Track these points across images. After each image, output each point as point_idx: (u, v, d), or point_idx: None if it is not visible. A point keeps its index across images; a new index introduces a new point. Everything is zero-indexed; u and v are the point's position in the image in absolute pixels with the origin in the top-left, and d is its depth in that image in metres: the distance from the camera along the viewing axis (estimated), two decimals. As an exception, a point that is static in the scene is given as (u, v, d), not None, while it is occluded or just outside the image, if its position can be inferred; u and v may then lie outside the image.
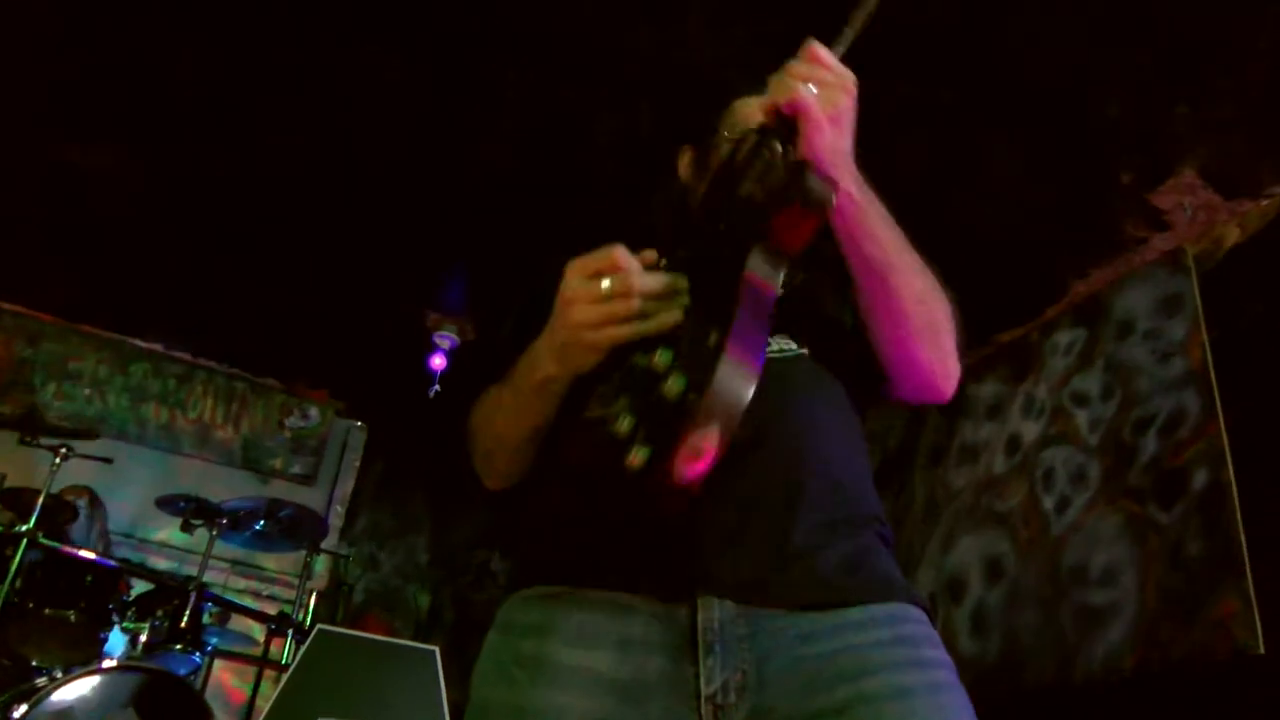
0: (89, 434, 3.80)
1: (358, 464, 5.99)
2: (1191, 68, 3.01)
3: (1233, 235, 3.39)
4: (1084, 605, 3.49)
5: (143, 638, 3.54)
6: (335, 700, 2.84)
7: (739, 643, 1.11)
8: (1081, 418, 3.79)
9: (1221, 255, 3.42)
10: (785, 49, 1.48)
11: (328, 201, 4.47)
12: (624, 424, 1.02)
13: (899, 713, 1.07)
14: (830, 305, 1.42)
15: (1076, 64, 3.05)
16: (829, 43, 1.19)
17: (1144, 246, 3.65)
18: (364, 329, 5.37)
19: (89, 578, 3.49)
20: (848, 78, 1.16)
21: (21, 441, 3.64)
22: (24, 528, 3.29)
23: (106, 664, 3.19)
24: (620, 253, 1.12)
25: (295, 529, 4.24)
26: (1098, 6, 2.86)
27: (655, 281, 1.11)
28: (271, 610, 4.49)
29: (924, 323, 1.30)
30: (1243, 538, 3.03)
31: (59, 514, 3.68)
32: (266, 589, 5.33)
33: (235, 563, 5.23)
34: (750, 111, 1.50)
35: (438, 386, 4.96)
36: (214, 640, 3.91)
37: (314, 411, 5.95)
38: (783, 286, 1.19)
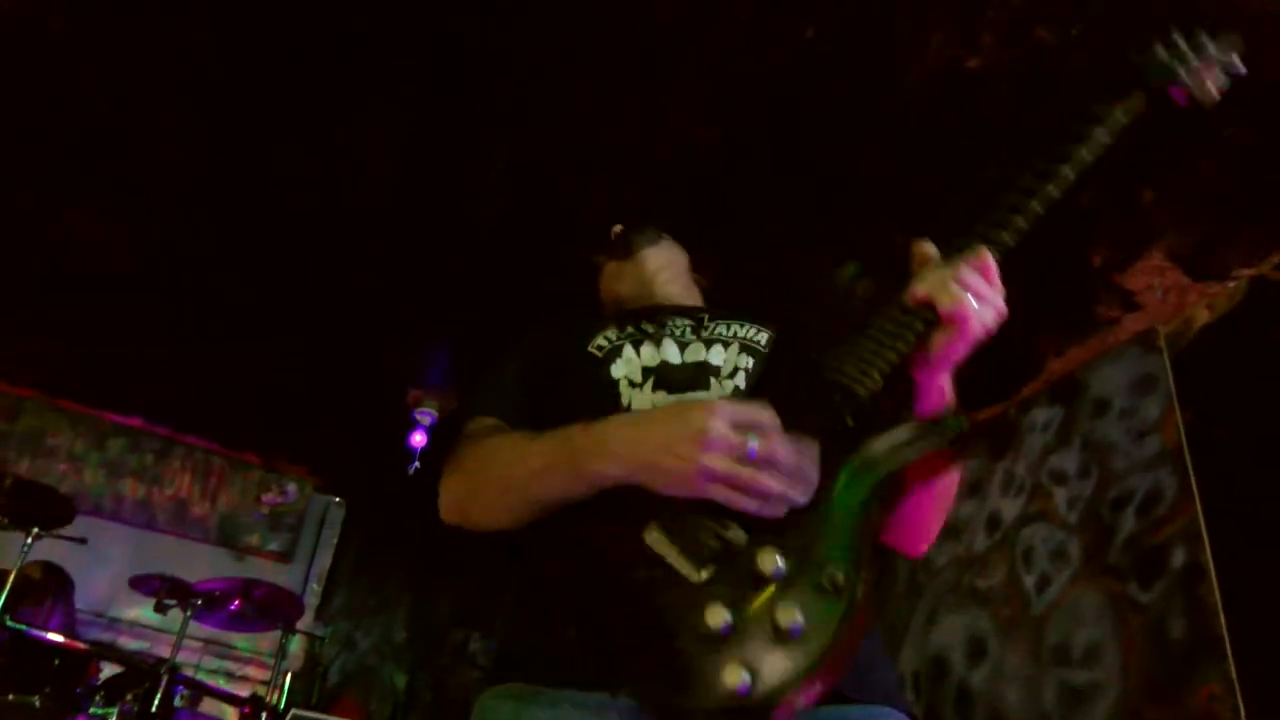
0: (63, 519, 3.75)
1: (335, 541, 5.94)
2: (1158, 158, 3.10)
3: (1203, 316, 3.46)
4: (1067, 685, 3.46)
5: (112, 721, 3.46)
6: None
7: None
8: (1060, 495, 3.80)
9: (1193, 335, 3.48)
10: (773, 130, 1.53)
11: (310, 277, 4.50)
12: (715, 616, 1.03)
13: None
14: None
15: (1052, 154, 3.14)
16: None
17: (1117, 326, 3.71)
18: (344, 405, 5.37)
19: (57, 661, 3.42)
20: (1001, 299, 1.21)
21: (-8, 522, 3.60)
22: (-10, 610, 3.23)
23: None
24: (776, 421, 1.12)
25: (270, 609, 4.18)
26: (1073, 108, 2.95)
27: (792, 460, 1.10)
28: (244, 692, 4.40)
29: (939, 518, 1.38)
30: (1223, 619, 3.03)
31: (27, 594, 3.62)
32: (240, 669, 5.23)
33: (208, 642, 5.14)
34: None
35: (417, 464, 4.94)
36: (185, 724, 3.83)
37: (292, 487, 5.91)
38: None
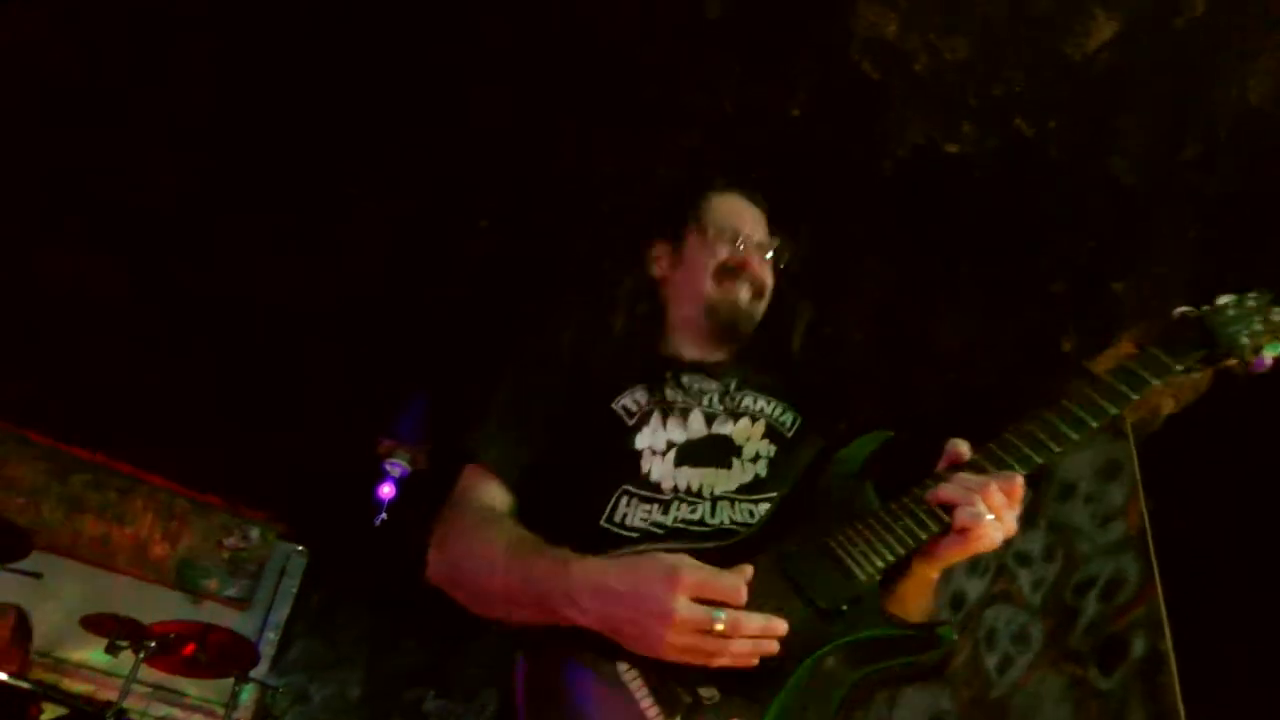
0: (19, 552, 3.68)
1: (295, 591, 5.83)
2: (1127, 253, 3.20)
3: (1168, 405, 3.52)
4: (1026, 770, 3.44)
5: (51, 766, 3.35)
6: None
7: None
8: (1024, 578, 3.82)
9: (1158, 424, 3.54)
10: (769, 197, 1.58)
11: (287, 323, 4.49)
12: None
13: None
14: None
15: (1028, 243, 3.23)
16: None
17: (1085, 412, 3.78)
18: (313, 452, 5.32)
19: (-1, 700, 3.33)
20: (1014, 523, 1.21)
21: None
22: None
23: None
24: (744, 589, 1.13)
25: (225, 655, 4.09)
26: (1049, 198, 3.06)
27: (756, 626, 1.12)
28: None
29: None
30: (1182, 709, 3.04)
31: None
32: (186, 717, 5.09)
33: (157, 687, 5.01)
34: (741, 220, 1.59)
35: (384, 515, 4.89)
36: (126, 772, 3.71)
37: (254, 533, 5.82)
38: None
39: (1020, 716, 3.55)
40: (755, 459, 1.49)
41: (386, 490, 4.91)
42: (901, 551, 1.19)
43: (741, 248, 1.68)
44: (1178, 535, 3.32)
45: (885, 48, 2.77)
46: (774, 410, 1.58)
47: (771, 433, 1.54)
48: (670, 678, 1.13)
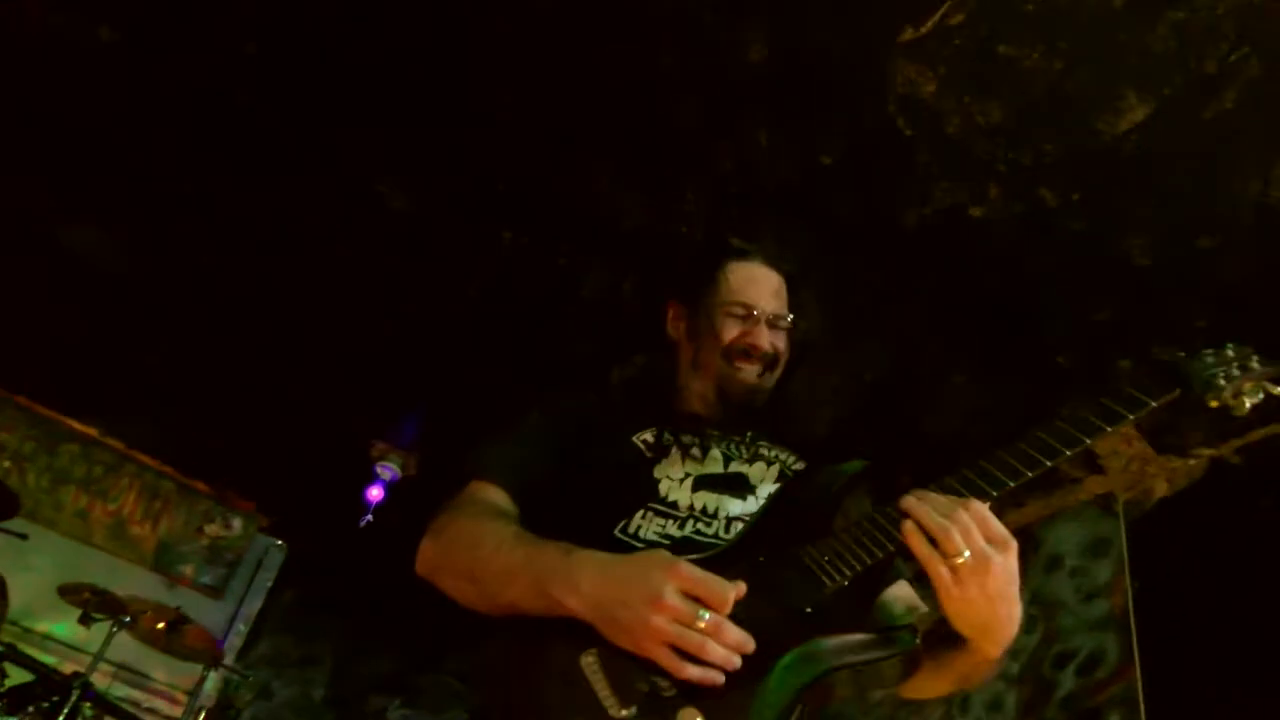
0: (5, 512, 3.66)
1: (270, 585, 5.79)
2: (1135, 332, 3.24)
3: (1161, 488, 3.56)
4: (989, 839, 3.43)
5: (10, 733, 3.31)
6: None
7: None
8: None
9: (1150, 506, 3.57)
10: (787, 242, 1.60)
11: (293, 316, 4.50)
12: None
13: None
14: None
15: (1039, 312, 3.28)
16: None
17: (1078, 486, 3.80)
18: (305, 448, 5.31)
19: (-40, 661, 3.30)
20: (982, 545, 1.15)
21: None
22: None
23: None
24: (732, 597, 1.16)
25: (192, 647, 4.05)
26: (1064, 271, 3.11)
27: (735, 638, 1.14)
28: (150, 725, 4.24)
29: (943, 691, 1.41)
30: (1151, 789, 3.04)
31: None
32: (148, 701, 5.03)
33: (122, 668, 4.95)
34: (757, 293, 1.62)
35: (370, 517, 4.87)
36: (83, 748, 3.66)
37: (237, 522, 5.79)
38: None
39: (987, 784, 3.55)
40: (768, 499, 1.52)
41: (375, 493, 4.91)
42: (868, 561, 1.20)
43: (752, 323, 1.68)
44: (1161, 617, 3.33)
45: (921, 106, 2.83)
46: (788, 458, 1.63)
47: (783, 478, 1.58)
48: (631, 670, 1.16)
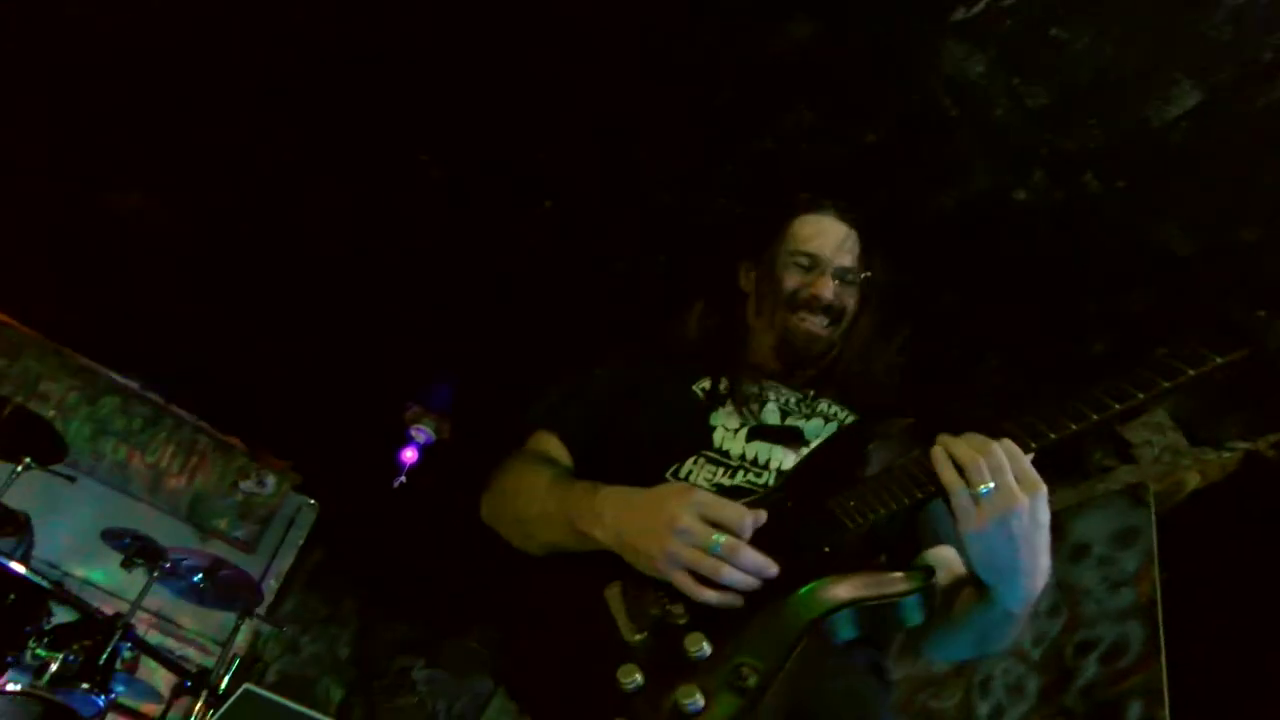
0: (54, 457, 3.76)
1: (301, 543, 5.89)
2: (1172, 321, 3.22)
3: (1193, 480, 3.54)
4: (1004, 820, 3.46)
5: (53, 668, 3.41)
6: (242, 765, 2.74)
7: None
8: (1026, 631, 3.84)
9: (1182, 498, 3.56)
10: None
11: (334, 279, 4.57)
12: (628, 674, 1.11)
13: None
14: None
15: (1077, 298, 3.27)
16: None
17: (1109, 476, 3.80)
18: (340, 409, 5.39)
19: (12, 596, 3.40)
20: (1018, 496, 1.13)
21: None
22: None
23: (10, 687, 3.08)
24: (749, 522, 1.18)
25: (231, 592, 4.15)
26: (1105, 256, 3.10)
27: (752, 560, 1.16)
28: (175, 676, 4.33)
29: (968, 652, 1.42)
30: (1169, 777, 3.05)
31: (3, 526, 3.61)
32: (179, 649, 5.15)
33: (156, 615, 5.08)
34: (822, 242, 1.62)
35: (404, 478, 4.95)
36: (119, 688, 3.77)
37: (271, 480, 5.89)
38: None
39: (1005, 767, 3.57)
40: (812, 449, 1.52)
41: (409, 455, 4.98)
42: (895, 506, 1.21)
43: (816, 274, 1.68)
44: (1188, 609, 3.33)
45: (968, 87, 2.82)
46: (846, 416, 1.62)
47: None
48: (649, 597, 1.20)
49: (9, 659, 3.41)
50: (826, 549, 1.22)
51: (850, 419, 1.61)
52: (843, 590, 1.16)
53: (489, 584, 5.19)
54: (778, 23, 2.87)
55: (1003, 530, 1.13)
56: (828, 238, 1.71)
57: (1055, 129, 2.86)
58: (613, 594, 1.24)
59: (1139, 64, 2.62)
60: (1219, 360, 1.13)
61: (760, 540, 1.19)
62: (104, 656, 3.46)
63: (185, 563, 3.98)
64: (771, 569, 1.17)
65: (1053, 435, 1.16)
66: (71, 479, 3.97)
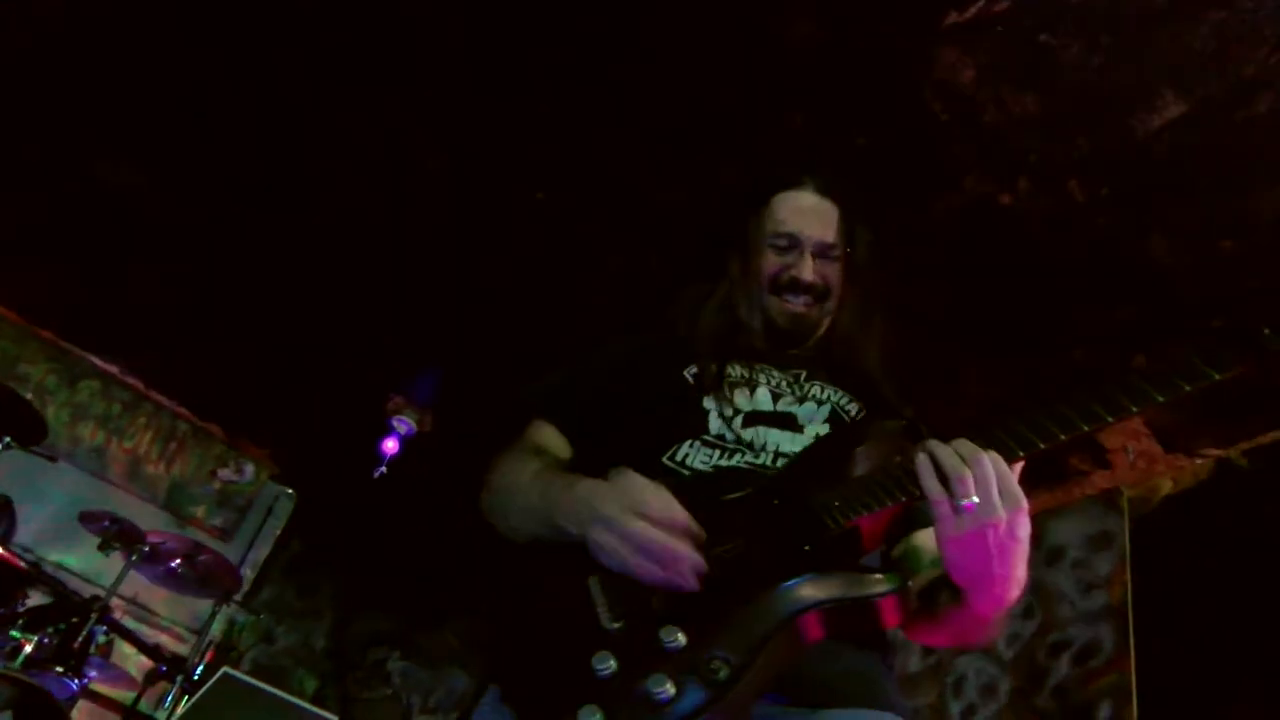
0: (35, 437, 3.74)
1: (278, 532, 5.87)
2: (1152, 330, 3.28)
3: (1166, 486, 3.61)
4: (973, 817, 3.51)
5: (27, 650, 3.38)
6: (220, 749, 2.74)
7: None
8: (1002, 631, 3.89)
9: (1155, 503, 3.63)
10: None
11: (319, 267, 4.55)
12: (602, 660, 1.14)
13: None
14: None
15: (1058, 305, 3.33)
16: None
17: (1084, 480, 3.86)
18: (321, 399, 5.37)
19: (-10, 576, 3.38)
20: (998, 511, 1.12)
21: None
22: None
23: (-14, 668, 3.06)
24: (682, 518, 1.21)
25: (208, 577, 4.13)
26: (1087, 265, 3.15)
27: (688, 561, 1.19)
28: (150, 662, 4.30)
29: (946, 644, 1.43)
30: (1137, 777, 3.11)
31: (-19, 506, 3.59)
32: (153, 636, 5.11)
33: (129, 602, 5.05)
34: (802, 221, 1.63)
35: (384, 469, 4.94)
36: (93, 672, 3.74)
37: (249, 468, 5.87)
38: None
39: (976, 765, 3.62)
40: (816, 436, 1.53)
41: (390, 445, 4.97)
42: (875, 507, 1.21)
43: (796, 255, 1.65)
44: (1158, 612, 3.39)
45: (958, 93, 2.87)
46: (840, 399, 1.60)
47: (835, 418, 1.57)
48: (629, 587, 1.22)
49: (-18, 640, 3.39)
50: (807, 547, 1.23)
51: (846, 400, 1.61)
52: (818, 589, 1.17)
53: (466, 577, 5.20)
54: (772, 24, 2.91)
55: (980, 542, 1.14)
56: (806, 215, 1.69)
57: (1042, 137, 2.91)
58: (595, 582, 1.26)
59: (1125, 75, 2.67)
60: (1216, 376, 1.09)
61: (745, 536, 1.22)
62: (79, 640, 3.43)
63: (164, 546, 3.96)
64: (692, 525, 1.21)
65: (1042, 445, 1.14)
66: (52, 459, 3.94)
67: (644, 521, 1.20)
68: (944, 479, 1.13)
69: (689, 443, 1.48)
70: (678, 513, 1.22)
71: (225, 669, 2.90)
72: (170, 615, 5.25)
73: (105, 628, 3.61)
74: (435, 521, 5.27)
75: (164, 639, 5.14)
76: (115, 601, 4.70)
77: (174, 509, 5.58)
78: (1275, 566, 3.29)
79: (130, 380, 5.69)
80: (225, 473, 5.77)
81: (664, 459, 1.46)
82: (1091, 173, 2.95)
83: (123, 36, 3.58)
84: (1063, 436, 1.14)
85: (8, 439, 3.52)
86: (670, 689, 1.08)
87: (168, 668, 3.77)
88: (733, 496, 1.32)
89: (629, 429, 1.54)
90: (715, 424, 1.50)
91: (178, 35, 3.52)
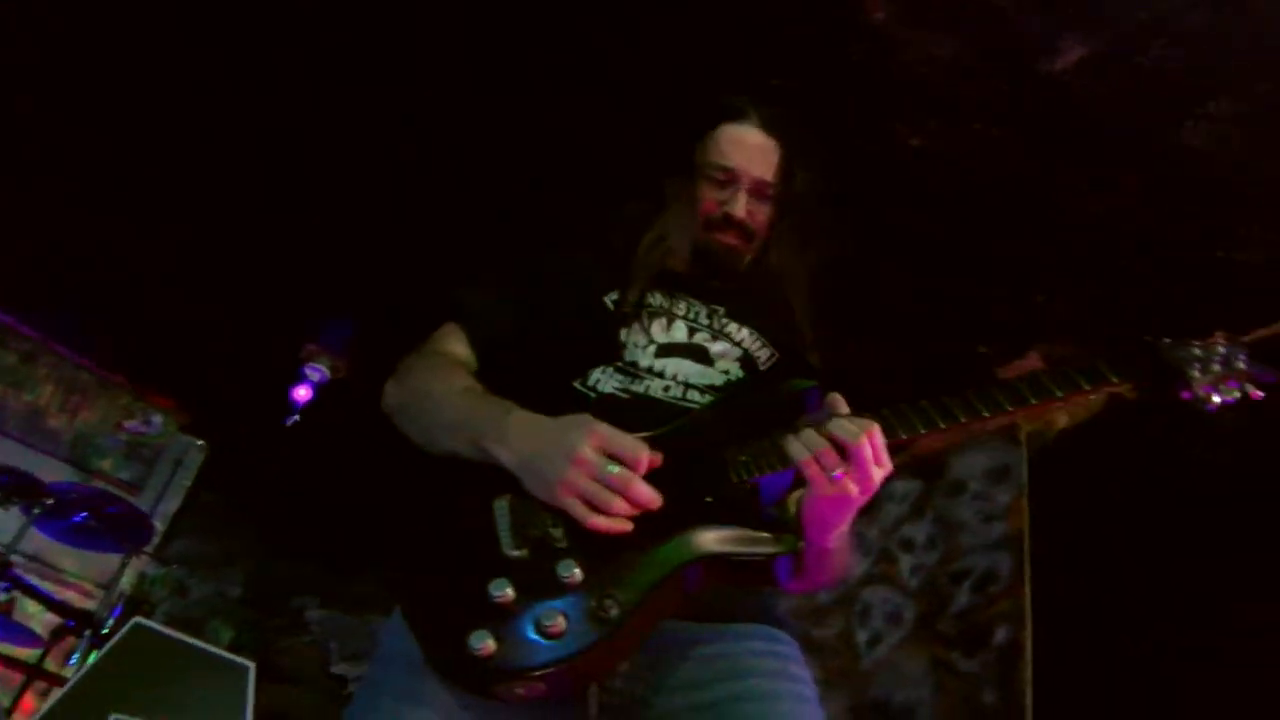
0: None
1: (188, 484, 5.74)
2: (1054, 270, 3.41)
3: (1062, 421, 3.78)
4: (880, 738, 3.67)
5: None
6: (133, 699, 2.70)
7: None
8: (905, 562, 4.06)
9: (1051, 437, 3.80)
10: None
11: (221, 211, 4.42)
12: (499, 587, 1.17)
13: (762, 714, 1.21)
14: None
15: (968, 244, 3.42)
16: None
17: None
18: (232, 348, 5.25)
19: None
20: (876, 479, 1.20)
21: None
22: None
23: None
24: (645, 458, 1.23)
25: (118, 529, 4.02)
26: (995, 205, 3.25)
27: (642, 494, 1.22)
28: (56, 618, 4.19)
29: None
30: (1030, 692, 3.29)
31: None
32: (60, 593, 4.98)
33: (31, 558, 4.90)
34: (741, 156, 1.64)
35: (297, 417, 4.87)
36: (-6, 631, 3.65)
37: (157, 419, 5.72)
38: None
39: (883, 689, 3.79)
40: (726, 373, 1.55)
41: (302, 393, 4.90)
42: (771, 468, 1.26)
43: (732, 190, 1.65)
44: (1053, 540, 3.57)
45: (873, 33, 2.91)
46: (755, 343, 1.62)
47: (746, 362, 1.59)
48: (536, 517, 1.25)
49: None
50: (709, 499, 1.27)
51: (758, 344, 1.62)
52: (713, 541, 1.23)
53: (383, 524, 5.17)
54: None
55: (845, 503, 1.23)
56: (747, 150, 1.68)
57: (952, 78, 2.97)
58: (501, 506, 1.28)
59: (1031, 18, 2.73)
60: (1114, 380, 1.22)
61: (651, 479, 1.24)
62: (-19, 595, 3.33)
63: (69, 497, 3.84)
64: (657, 502, 1.23)
65: (922, 430, 1.23)
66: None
67: (618, 465, 1.22)
68: (833, 447, 1.19)
69: (601, 368, 1.49)
70: (642, 454, 1.24)
71: (137, 619, 2.85)
72: (77, 570, 5.12)
73: (7, 585, 3.50)
74: (352, 469, 5.22)
75: (71, 595, 5.02)
76: (16, 559, 4.58)
77: (78, 462, 5.42)
78: (1161, 495, 3.49)
79: (28, 330, 5.47)
80: (132, 424, 5.62)
81: (574, 383, 1.48)
82: (1001, 113, 3.02)
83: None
84: (942, 425, 1.23)
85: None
86: (560, 622, 1.13)
87: (75, 623, 3.68)
88: (643, 436, 1.33)
89: (544, 350, 1.54)
90: (629, 352, 1.51)
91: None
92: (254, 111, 3.84)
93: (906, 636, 3.85)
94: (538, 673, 1.12)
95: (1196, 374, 1.20)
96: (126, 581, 4.91)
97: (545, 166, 3.76)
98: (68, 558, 5.02)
